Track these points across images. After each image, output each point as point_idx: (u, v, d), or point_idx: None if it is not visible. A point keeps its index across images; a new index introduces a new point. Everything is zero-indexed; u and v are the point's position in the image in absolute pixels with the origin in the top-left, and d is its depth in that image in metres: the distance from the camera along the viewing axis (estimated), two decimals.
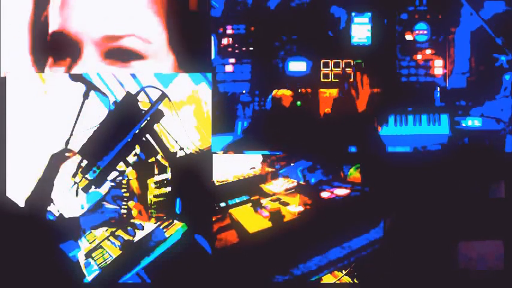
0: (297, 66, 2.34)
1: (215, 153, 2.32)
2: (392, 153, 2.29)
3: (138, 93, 2.17)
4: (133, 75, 2.28)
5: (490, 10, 2.31)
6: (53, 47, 2.16)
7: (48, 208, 2.18)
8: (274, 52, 2.35)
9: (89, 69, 2.09)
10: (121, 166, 2.23)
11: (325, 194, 2.17)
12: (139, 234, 2.13)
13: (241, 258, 1.98)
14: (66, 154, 2.17)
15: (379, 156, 2.26)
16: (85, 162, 2.13)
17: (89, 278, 2.04)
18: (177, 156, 2.27)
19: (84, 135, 2.17)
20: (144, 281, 2.15)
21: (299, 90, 2.36)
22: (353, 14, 2.33)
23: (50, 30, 2.14)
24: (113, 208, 2.22)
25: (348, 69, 2.32)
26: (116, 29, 2.08)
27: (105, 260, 2.08)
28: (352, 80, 2.29)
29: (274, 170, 2.56)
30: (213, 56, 2.36)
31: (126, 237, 2.16)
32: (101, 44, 2.07)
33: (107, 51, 2.09)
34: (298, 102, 2.36)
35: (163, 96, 2.18)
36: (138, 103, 2.17)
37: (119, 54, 2.10)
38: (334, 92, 2.33)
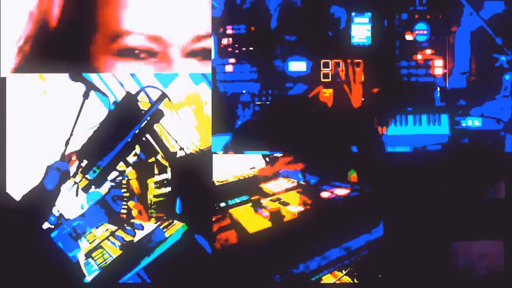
0: (297, 66, 2.35)
1: (215, 153, 2.32)
2: (392, 153, 2.29)
3: (138, 93, 2.17)
4: (133, 75, 2.28)
5: (490, 10, 2.32)
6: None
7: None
8: (274, 52, 2.35)
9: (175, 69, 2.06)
10: (121, 166, 2.23)
11: (325, 194, 2.17)
12: (139, 234, 2.13)
13: (241, 258, 1.98)
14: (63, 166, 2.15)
15: (378, 155, 2.26)
16: (85, 162, 2.13)
17: (88, 278, 2.04)
18: (177, 156, 2.27)
19: (84, 135, 2.17)
20: (144, 281, 2.15)
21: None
22: (353, 14, 2.33)
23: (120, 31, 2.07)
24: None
25: (339, 68, 2.32)
26: (200, 29, 2.05)
27: (105, 260, 2.08)
28: (344, 77, 2.30)
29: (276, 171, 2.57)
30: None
31: (126, 237, 2.16)
32: (188, 44, 2.05)
33: (191, 52, 2.06)
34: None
35: (163, 96, 2.18)
36: (138, 103, 2.17)
37: (200, 53, 2.07)
38: (330, 91, 2.33)
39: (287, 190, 2.33)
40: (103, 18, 2.04)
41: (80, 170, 2.14)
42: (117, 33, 2.01)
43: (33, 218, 2.05)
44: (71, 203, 2.35)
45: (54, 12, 2.08)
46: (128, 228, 2.23)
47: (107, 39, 2.02)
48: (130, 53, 2.01)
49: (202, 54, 2.08)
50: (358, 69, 2.28)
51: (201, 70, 2.10)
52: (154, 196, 2.35)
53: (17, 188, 2.25)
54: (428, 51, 2.33)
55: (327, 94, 2.32)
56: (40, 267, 2.08)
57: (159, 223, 2.20)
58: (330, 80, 2.34)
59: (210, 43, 2.09)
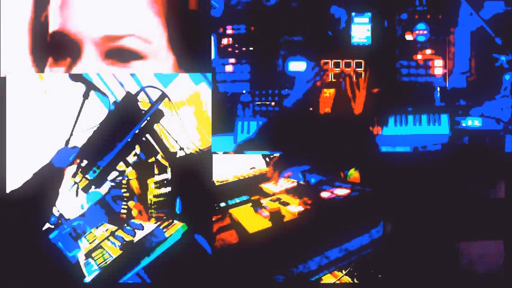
0: (297, 66, 2.35)
1: (215, 153, 2.32)
2: (392, 153, 2.29)
3: (138, 93, 2.17)
4: (133, 75, 2.28)
5: (490, 10, 2.32)
6: (53, 46, 2.15)
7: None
8: (274, 52, 2.35)
9: (89, 69, 2.09)
10: (121, 166, 2.23)
11: (325, 194, 2.17)
12: (139, 234, 2.13)
13: (241, 258, 1.98)
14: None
15: (373, 156, 2.26)
16: (85, 162, 2.13)
17: (88, 278, 2.04)
18: (177, 156, 2.27)
19: (84, 135, 2.17)
20: (144, 281, 2.15)
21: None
22: (353, 14, 2.33)
23: (50, 30, 2.14)
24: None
25: (348, 69, 2.32)
26: (116, 29, 2.08)
27: (105, 260, 2.08)
28: (349, 80, 2.30)
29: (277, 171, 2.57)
30: (213, 56, 2.36)
31: (126, 237, 2.16)
32: (101, 44, 2.07)
33: (107, 51, 2.09)
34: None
35: (163, 96, 2.18)
36: (138, 103, 2.17)
37: (119, 54, 2.09)
38: (332, 91, 2.33)
39: (287, 190, 2.33)
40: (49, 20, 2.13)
41: (80, 170, 2.14)
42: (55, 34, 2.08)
43: (40, 200, 2.06)
44: (71, 203, 2.35)
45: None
46: (128, 228, 2.23)
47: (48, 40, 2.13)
48: (58, 53, 2.11)
49: (125, 55, 2.09)
50: (362, 77, 2.28)
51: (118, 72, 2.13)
52: (154, 196, 2.35)
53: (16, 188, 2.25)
54: (428, 51, 2.33)
55: (327, 94, 2.32)
56: (39, 267, 2.08)
57: (159, 223, 2.20)
58: (330, 80, 2.34)
59: (128, 43, 2.09)
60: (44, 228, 2.24)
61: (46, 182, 2.07)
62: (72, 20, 2.08)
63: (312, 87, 2.26)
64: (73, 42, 2.08)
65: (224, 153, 2.34)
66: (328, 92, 2.33)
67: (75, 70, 2.10)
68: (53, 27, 2.13)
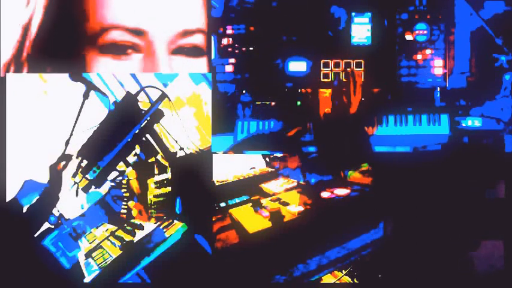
0: (297, 66, 2.35)
1: (215, 153, 2.32)
2: (392, 153, 2.29)
3: (138, 93, 2.17)
4: (133, 75, 2.28)
5: (490, 10, 2.32)
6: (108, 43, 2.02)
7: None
8: (274, 52, 2.35)
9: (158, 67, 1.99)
10: (121, 166, 2.23)
11: (325, 194, 2.17)
12: (139, 234, 2.13)
13: (241, 258, 1.98)
14: (64, 162, 2.16)
15: (365, 156, 2.27)
16: (85, 162, 2.13)
17: (88, 278, 2.04)
18: (177, 156, 2.27)
19: (84, 135, 2.17)
20: (144, 281, 2.15)
21: (299, 90, 2.36)
22: (353, 14, 2.33)
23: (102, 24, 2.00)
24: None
25: (349, 69, 2.32)
26: (188, 24, 2.00)
27: (105, 260, 2.08)
28: (345, 79, 2.30)
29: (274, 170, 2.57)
30: (213, 56, 2.36)
31: (126, 237, 2.16)
32: (173, 40, 1.97)
33: (177, 48, 1.98)
34: (298, 102, 2.36)
35: (163, 96, 2.18)
36: (138, 103, 2.17)
37: (189, 51, 2.02)
38: (329, 91, 2.33)
39: (287, 190, 2.33)
40: (86, 13, 1.98)
41: (80, 170, 2.14)
42: (101, 29, 1.93)
43: None
44: (71, 203, 2.35)
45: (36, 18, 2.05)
46: (128, 228, 2.23)
47: (91, 36, 1.95)
48: (113, 49, 1.93)
49: (190, 51, 2.01)
50: (358, 78, 2.27)
51: (189, 68, 2.04)
52: (154, 196, 2.35)
53: (17, 189, 2.25)
54: (428, 51, 2.33)
55: (326, 94, 2.32)
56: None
57: (159, 223, 2.20)
58: (329, 80, 2.34)
59: (200, 39, 2.02)
60: (43, 229, 2.24)
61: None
62: (138, 16, 1.96)
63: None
64: (140, 39, 1.98)
65: (224, 153, 2.34)
66: (327, 92, 2.33)
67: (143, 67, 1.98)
68: (104, 21, 1.99)
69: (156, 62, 1.94)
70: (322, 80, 2.34)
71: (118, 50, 1.94)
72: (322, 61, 2.34)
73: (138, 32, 1.93)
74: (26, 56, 2.07)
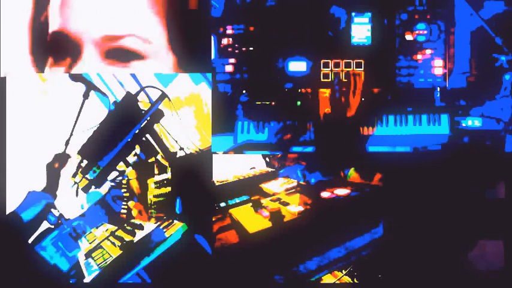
0: (297, 66, 2.34)
1: (215, 153, 2.32)
2: (392, 153, 2.29)
3: (138, 93, 2.17)
4: (133, 75, 2.28)
5: (490, 10, 2.31)
6: (52, 47, 2.15)
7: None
8: (274, 52, 2.35)
9: (89, 69, 2.09)
10: (121, 166, 2.23)
11: (325, 194, 2.17)
12: (139, 234, 2.13)
13: (241, 258, 1.98)
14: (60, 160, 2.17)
15: (360, 156, 2.27)
16: (85, 162, 2.13)
17: (88, 278, 2.04)
18: (177, 156, 2.27)
19: (84, 135, 2.17)
20: (144, 281, 2.15)
21: (299, 90, 2.36)
22: (353, 14, 2.33)
23: (50, 30, 2.14)
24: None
25: (359, 70, 2.32)
26: (116, 29, 2.08)
27: (105, 260, 2.08)
28: (345, 80, 2.30)
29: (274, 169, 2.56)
30: (213, 56, 2.36)
31: (126, 237, 2.16)
32: (101, 44, 2.07)
33: (107, 51, 2.09)
34: (298, 102, 2.36)
35: (163, 96, 2.18)
36: (138, 103, 2.17)
37: (119, 54, 2.10)
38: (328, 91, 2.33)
39: (287, 190, 2.33)
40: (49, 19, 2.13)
41: (80, 170, 2.14)
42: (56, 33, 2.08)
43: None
44: (71, 203, 2.34)
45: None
46: (128, 228, 2.23)
47: (48, 39, 2.13)
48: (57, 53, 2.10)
49: (120, 55, 2.10)
50: (358, 80, 2.28)
51: (119, 72, 2.13)
52: (154, 196, 2.35)
53: (17, 189, 2.25)
54: (428, 51, 2.33)
55: (326, 94, 2.32)
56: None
57: (159, 223, 2.20)
58: (329, 80, 2.34)
59: (128, 43, 2.10)
60: (43, 229, 2.24)
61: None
62: (72, 20, 2.08)
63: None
64: (73, 42, 2.08)
65: (224, 153, 2.34)
66: (327, 92, 2.33)
67: (75, 70, 2.10)
68: (53, 27, 2.13)
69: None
70: (322, 80, 2.34)
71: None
72: (322, 61, 2.34)
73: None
74: None
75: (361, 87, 2.27)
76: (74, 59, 2.11)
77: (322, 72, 2.35)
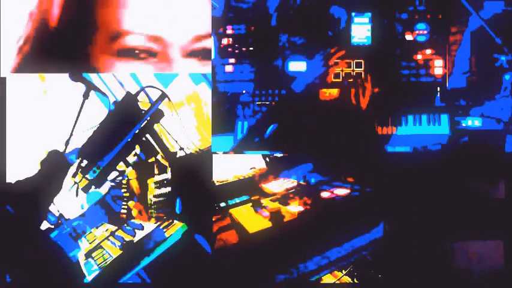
0: (297, 66, 2.35)
1: (215, 153, 2.32)
2: (392, 153, 2.29)
3: (138, 93, 2.17)
4: (133, 75, 2.28)
5: (490, 10, 2.31)
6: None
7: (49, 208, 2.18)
8: (274, 52, 2.35)
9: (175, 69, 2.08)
10: (121, 166, 2.23)
11: (325, 194, 2.17)
12: (139, 234, 2.14)
13: (241, 258, 1.98)
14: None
15: (377, 155, 2.27)
16: (85, 162, 2.13)
17: (89, 278, 2.04)
18: (177, 156, 2.27)
19: (84, 135, 2.17)
20: (144, 281, 2.15)
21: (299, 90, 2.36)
22: (353, 14, 2.33)
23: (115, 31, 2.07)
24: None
25: (359, 70, 2.32)
26: (200, 29, 2.08)
27: (105, 260, 2.08)
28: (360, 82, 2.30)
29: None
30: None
31: (126, 237, 2.16)
32: (188, 44, 2.07)
33: (190, 52, 2.09)
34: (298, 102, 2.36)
35: (163, 96, 2.18)
36: (138, 103, 2.17)
37: (200, 53, 2.10)
38: (334, 91, 2.33)
39: (287, 190, 2.33)
40: (103, 18, 2.04)
41: (80, 170, 2.14)
42: (117, 33, 2.01)
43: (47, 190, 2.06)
44: (71, 203, 2.35)
45: (54, 12, 2.08)
46: (128, 228, 2.23)
47: (107, 39, 2.03)
48: (130, 53, 2.02)
49: (202, 54, 2.09)
50: (367, 83, 2.28)
51: (201, 70, 2.12)
52: (154, 196, 2.35)
53: None
54: (428, 51, 2.33)
55: (327, 94, 2.32)
56: (40, 259, 2.08)
57: (159, 223, 2.20)
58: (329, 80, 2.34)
59: (209, 43, 2.10)
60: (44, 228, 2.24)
61: (53, 171, 2.09)
62: (154, 23, 2.05)
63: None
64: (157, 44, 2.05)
65: (224, 153, 2.34)
66: (329, 92, 2.33)
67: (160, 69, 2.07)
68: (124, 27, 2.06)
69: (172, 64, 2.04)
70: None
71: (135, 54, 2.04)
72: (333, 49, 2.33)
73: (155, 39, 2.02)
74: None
75: (370, 87, 2.27)
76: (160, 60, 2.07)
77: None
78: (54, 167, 2.10)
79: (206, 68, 2.16)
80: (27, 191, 2.06)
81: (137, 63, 2.03)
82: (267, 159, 2.52)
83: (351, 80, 2.31)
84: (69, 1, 2.08)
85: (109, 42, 2.03)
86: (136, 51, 2.02)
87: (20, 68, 2.15)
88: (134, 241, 2.09)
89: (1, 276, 2.08)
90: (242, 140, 2.32)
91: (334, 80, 2.34)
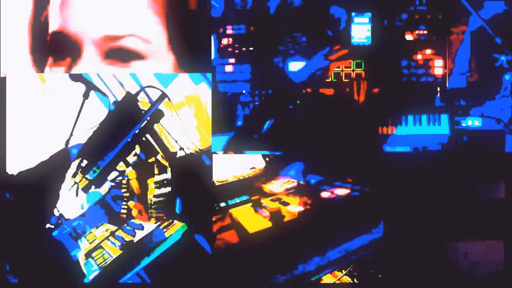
0: (297, 66, 2.34)
1: (215, 153, 2.32)
2: (392, 153, 2.29)
3: (138, 93, 2.17)
4: (133, 75, 2.28)
5: (490, 10, 2.31)
6: (52, 46, 2.16)
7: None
8: (274, 52, 2.35)
9: (89, 69, 2.09)
10: (121, 166, 2.23)
11: (325, 194, 2.17)
12: (139, 234, 2.13)
13: (241, 258, 1.98)
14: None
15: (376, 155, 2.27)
16: (85, 162, 2.13)
17: (89, 278, 2.04)
18: (177, 156, 2.27)
19: (84, 135, 2.17)
20: (144, 281, 2.15)
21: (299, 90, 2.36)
22: (353, 14, 2.33)
23: (50, 30, 2.14)
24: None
25: (359, 70, 2.32)
26: (116, 29, 2.08)
27: (105, 260, 2.08)
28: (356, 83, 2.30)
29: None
30: (213, 56, 2.36)
31: (126, 237, 2.16)
32: (101, 44, 2.08)
33: (107, 51, 2.10)
34: (298, 101, 2.36)
35: (163, 96, 2.18)
36: (138, 103, 2.17)
37: (119, 54, 2.10)
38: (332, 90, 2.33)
39: (287, 190, 2.33)
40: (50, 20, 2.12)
41: (80, 170, 2.14)
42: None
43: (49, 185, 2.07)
44: (71, 203, 2.34)
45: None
46: (128, 228, 2.23)
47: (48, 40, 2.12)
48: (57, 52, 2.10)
49: (124, 55, 2.11)
50: (363, 83, 2.29)
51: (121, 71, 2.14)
52: (154, 196, 2.35)
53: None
54: (428, 51, 2.33)
55: (327, 94, 2.32)
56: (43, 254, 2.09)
57: (159, 223, 2.20)
58: (329, 79, 2.34)
59: (128, 43, 2.11)
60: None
61: (58, 165, 2.10)
62: (72, 20, 2.08)
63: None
64: (73, 42, 2.09)
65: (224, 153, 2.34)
66: (327, 92, 2.33)
67: (75, 70, 2.11)
68: (53, 27, 2.13)
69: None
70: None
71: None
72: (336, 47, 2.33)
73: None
74: None
75: (365, 87, 2.27)
76: (74, 59, 2.11)
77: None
78: (57, 160, 2.11)
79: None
80: (31, 182, 2.06)
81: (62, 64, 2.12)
82: (267, 159, 2.52)
83: (347, 80, 2.31)
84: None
85: (49, 43, 2.15)
86: (61, 51, 2.09)
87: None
88: (134, 241, 2.09)
89: (2, 274, 2.08)
90: (231, 140, 2.32)
91: (334, 80, 2.34)
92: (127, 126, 2.14)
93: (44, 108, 2.42)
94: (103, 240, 2.29)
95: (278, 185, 2.41)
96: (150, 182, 2.39)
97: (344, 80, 2.33)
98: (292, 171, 2.41)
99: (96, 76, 2.23)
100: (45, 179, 2.07)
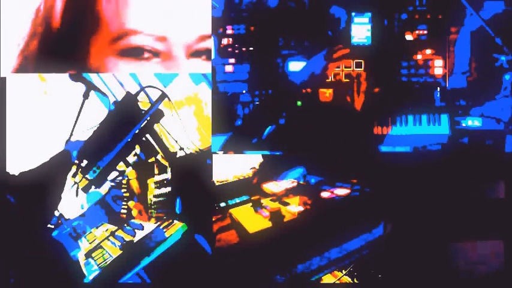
0: (297, 66, 2.34)
1: (215, 153, 2.32)
2: (392, 153, 2.29)
3: (138, 93, 2.17)
4: (133, 75, 2.28)
5: (490, 10, 2.31)
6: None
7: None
8: (274, 52, 2.35)
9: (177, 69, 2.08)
10: (121, 166, 2.23)
11: (325, 194, 2.17)
12: (139, 234, 2.14)
13: (241, 258, 1.98)
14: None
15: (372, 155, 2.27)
16: (85, 162, 2.13)
17: (89, 278, 2.04)
18: (177, 156, 2.27)
19: (84, 135, 2.17)
20: (144, 281, 2.15)
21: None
22: (353, 14, 2.33)
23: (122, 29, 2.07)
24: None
25: (359, 70, 2.32)
26: (204, 29, 2.08)
27: (105, 260, 2.08)
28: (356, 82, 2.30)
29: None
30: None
31: (126, 237, 2.16)
32: (190, 45, 2.07)
33: (194, 52, 2.09)
34: (299, 102, 2.36)
35: (163, 96, 2.18)
36: (138, 103, 2.17)
37: (203, 53, 2.10)
38: (331, 91, 2.33)
39: (287, 190, 2.33)
40: (106, 17, 2.03)
41: (80, 170, 2.14)
42: (122, 33, 2.00)
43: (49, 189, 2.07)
44: (71, 203, 2.35)
45: (57, 9, 2.07)
46: (128, 228, 2.23)
47: (110, 38, 2.02)
48: (133, 53, 2.01)
49: (206, 54, 2.09)
50: (362, 80, 2.28)
51: (205, 70, 2.12)
52: (154, 196, 2.35)
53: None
54: (428, 51, 2.33)
55: (327, 94, 2.33)
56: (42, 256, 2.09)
57: (159, 223, 2.20)
58: (330, 79, 2.34)
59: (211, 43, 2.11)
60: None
61: (59, 167, 2.10)
62: (158, 23, 2.05)
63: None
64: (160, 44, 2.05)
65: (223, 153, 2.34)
66: (328, 92, 2.33)
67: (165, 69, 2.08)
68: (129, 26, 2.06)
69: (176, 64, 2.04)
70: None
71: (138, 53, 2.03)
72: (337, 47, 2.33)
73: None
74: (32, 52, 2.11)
75: (365, 86, 2.27)
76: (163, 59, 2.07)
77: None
78: (58, 161, 2.11)
79: (208, 67, 2.17)
80: (32, 184, 2.06)
81: (140, 63, 2.03)
82: (267, 159, 2.52)
83: (347, 80, 2.31)
84: None
85: (112, 42, 2.02)
86: (140, 51, 2.01)
87: (22, 69, 2.14)
88: (134, 241, 2.09)
89: (3, 273, 2.09)
90: (228, 139, 2.32)
91: (333, 80, 2.34)
92: (127, 126, 2.14)
93: (44, 108, 2.42)
94: (103, 240, 2.29)
95: (278, 185, 2.41)
96: (150, 182, 2.39)
97: (344, 80, 2.33)
98: (292, 173, 2.41)
99: (96, 76, 2.23)
100: (47, 180, 2.07)
